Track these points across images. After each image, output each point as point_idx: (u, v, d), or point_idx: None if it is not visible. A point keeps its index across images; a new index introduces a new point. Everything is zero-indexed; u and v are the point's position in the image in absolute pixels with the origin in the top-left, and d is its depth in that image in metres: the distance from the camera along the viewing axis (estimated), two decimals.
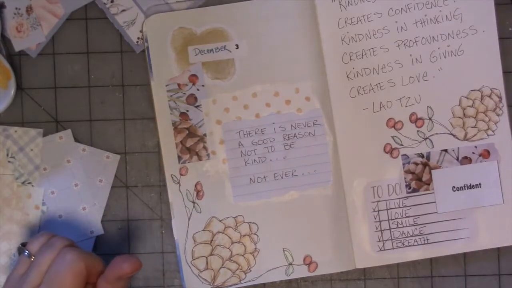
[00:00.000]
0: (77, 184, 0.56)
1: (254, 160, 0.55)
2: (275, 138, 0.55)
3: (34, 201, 0.55)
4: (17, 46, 0.56)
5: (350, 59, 0.55)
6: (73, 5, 0.55)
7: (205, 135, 0.55)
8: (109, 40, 0.56)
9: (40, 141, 0.56)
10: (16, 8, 0.55)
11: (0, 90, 0.54)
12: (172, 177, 0.55)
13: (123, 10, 0.56)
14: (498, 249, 0.56)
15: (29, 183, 0.55)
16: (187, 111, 0.55)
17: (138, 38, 0.56)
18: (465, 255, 0.56)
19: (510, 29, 0.56)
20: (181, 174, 0.55)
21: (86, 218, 0.56)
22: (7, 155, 0.55)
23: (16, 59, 0.56)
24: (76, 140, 0.56)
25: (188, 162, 0.55)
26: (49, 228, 0.55)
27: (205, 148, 0.55)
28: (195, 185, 0.55)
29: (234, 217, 0.55)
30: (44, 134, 0.56)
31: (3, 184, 0.55)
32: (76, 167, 0.56)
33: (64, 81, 0.56)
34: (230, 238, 0.55)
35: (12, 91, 0.55)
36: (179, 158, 0.55)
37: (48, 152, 0.56)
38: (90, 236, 0.56)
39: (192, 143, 0.55)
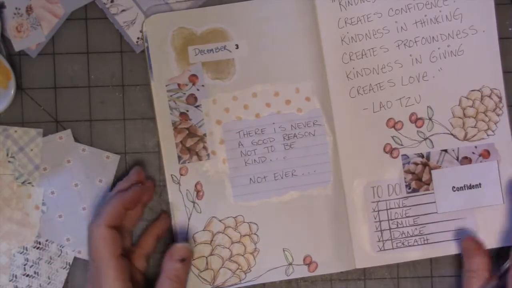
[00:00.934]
0: (77, 184, 0.56)
1: (254, 160, 0.55)
2: (275, 138, 0.55)
3: (34, 201, 0.55)
4: (17, 46, 0.56)
5: (350, 59, 0.55)
6: (73, 5, 0.55)
7: (205, 135, 0.55)
8: (109, 40, 0.56)
9: (40, 141, 0.56)
10: (16, 8, 0.55)
11: (0, 90, 0.54)
12: (172, 177, 0.55)
13: (123, 10, 0.56)
14: (498, 249, 0.56)
15: (29, 183, 0.55)
16: (187, 111, 0.55)
17: (138, 38, 0.56)
18: None
19: (510, 29, 0.56)
20: (181, 174, 0.55)
21: (86, 218, 0.56)
22: (7, 155, 0.55)
23: (16, 59, 0.56)
24: (76, 140, 0.56)
25: (188, 162, 0.55)
26: (49, 228, 0.55)
27: (205, 148, 0.55)
28: (195, 185, 0.55)
29: (234, 217, 0.55)
30: (44, 134, 0.56)
31: (3, 184, 0.55)
32: (76, 167, 0.56)
33: (64, 81, 0.56)
34: (230, 238, 0.55)
35: (12, 91, 0.55)
36: (179, 158, 0.55)
37: (48, 152, 0.55)
38: None
39: (192, 143, 0.55)
